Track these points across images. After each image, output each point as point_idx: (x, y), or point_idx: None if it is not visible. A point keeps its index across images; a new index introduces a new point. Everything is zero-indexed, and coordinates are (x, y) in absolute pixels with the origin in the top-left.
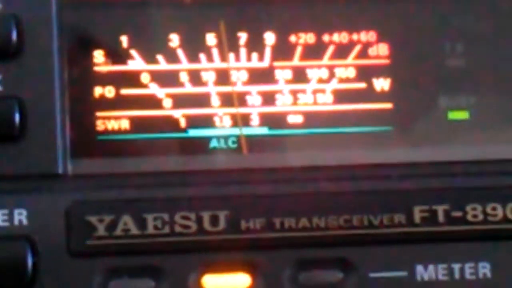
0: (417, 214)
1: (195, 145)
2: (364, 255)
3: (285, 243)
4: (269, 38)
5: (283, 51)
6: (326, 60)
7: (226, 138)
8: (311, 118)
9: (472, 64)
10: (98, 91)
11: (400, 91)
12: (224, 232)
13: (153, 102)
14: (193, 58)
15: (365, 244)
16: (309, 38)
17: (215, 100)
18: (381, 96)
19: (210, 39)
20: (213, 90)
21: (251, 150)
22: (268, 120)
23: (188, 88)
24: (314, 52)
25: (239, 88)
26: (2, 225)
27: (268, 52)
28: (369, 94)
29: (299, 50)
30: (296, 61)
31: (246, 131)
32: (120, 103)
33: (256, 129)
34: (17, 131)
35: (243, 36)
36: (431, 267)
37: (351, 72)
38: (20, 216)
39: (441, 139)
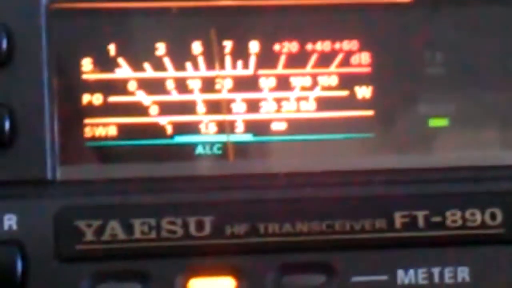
0: (397, 220)
1: (181, 151)
2: (346, 260)
3: (269, 248)
4: (254, 46)
5: (267, 59)
6: (309, 68)
7: (211, 144)
8: (295, 125)
9: (451, 72)
10: (86, 98)
11: (381, 99)
12: (209, 237)
13: (140, 109)
14: (179, 66)
15: (347, 248)
16: (292, 46)
17: (200, 107)
18: (363, 104)
19: (196, 47)
20: (199, 97)
21: (236, 157)
22: (252, 127)
23: (174, 96)
24: (297, 60)
25: (225, 95)
26: None
27: (252, 61)
28: (351, 102)
29: (283, 59)
30: (280, 69)
31: (231, 138)
32: (107, 110)
33: (240, 136)
34: (7, 138)
35: (228, 45)
36: (411, 272)
37: (334, 80)
38: (10, 221)
39: (421, 146)
